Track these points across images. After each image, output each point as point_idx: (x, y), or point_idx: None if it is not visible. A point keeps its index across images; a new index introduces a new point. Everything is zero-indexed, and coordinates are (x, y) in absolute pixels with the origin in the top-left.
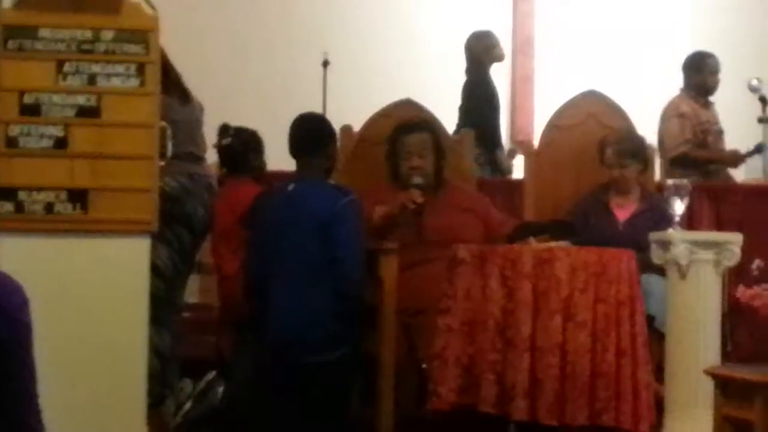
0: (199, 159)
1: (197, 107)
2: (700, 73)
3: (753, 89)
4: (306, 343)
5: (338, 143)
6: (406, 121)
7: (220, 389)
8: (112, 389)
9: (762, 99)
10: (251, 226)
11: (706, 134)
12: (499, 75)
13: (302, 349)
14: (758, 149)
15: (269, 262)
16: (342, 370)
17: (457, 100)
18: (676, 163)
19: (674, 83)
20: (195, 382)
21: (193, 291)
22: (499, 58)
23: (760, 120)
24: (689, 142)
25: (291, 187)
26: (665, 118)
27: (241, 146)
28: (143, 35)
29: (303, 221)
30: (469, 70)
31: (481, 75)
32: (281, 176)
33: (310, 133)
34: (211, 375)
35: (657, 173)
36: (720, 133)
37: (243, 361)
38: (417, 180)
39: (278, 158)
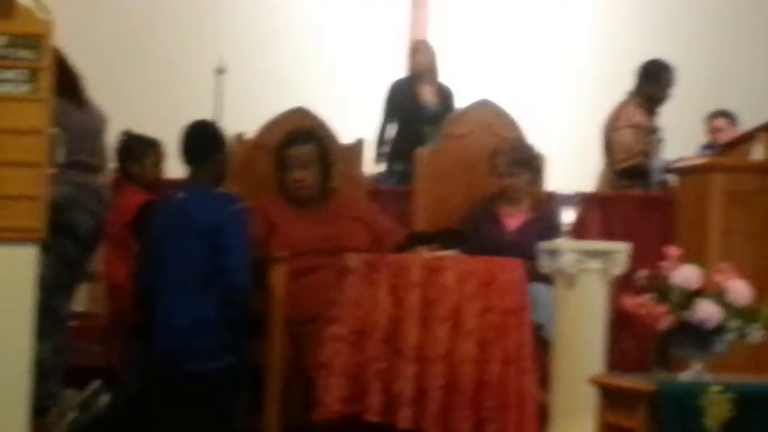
0: (93, 168)
1: (97, 116)
2: (655, 84)
3: None
4: (193, 351)
5: (231, 151)
6: (290, 133)
7: (105, 398)
8: None
9: (649, 110)
10: (140, 234)
11: (653, 145)
12: None
13: (190, 358)
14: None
15: (158, 270)
16: (229, 378)
17: (351, 108)
18: (625, 174)
19: (567, 95)
20: (80, 392)
21: (80, 299)
22: (414, 66)
23: (646, 132)
24: (641, 153)
25: (180, 194)
26: (617, 126)
27: (121, 152)
28: (36, 40)
29: (191, 229)
30: None
31: (395, 84)
32: (176, 184)
33: (200, 141)
34: (96, 384)
35: (606, 180)
36: (659, 142)
37: (132, 369)
38: None
39: (176, 166)
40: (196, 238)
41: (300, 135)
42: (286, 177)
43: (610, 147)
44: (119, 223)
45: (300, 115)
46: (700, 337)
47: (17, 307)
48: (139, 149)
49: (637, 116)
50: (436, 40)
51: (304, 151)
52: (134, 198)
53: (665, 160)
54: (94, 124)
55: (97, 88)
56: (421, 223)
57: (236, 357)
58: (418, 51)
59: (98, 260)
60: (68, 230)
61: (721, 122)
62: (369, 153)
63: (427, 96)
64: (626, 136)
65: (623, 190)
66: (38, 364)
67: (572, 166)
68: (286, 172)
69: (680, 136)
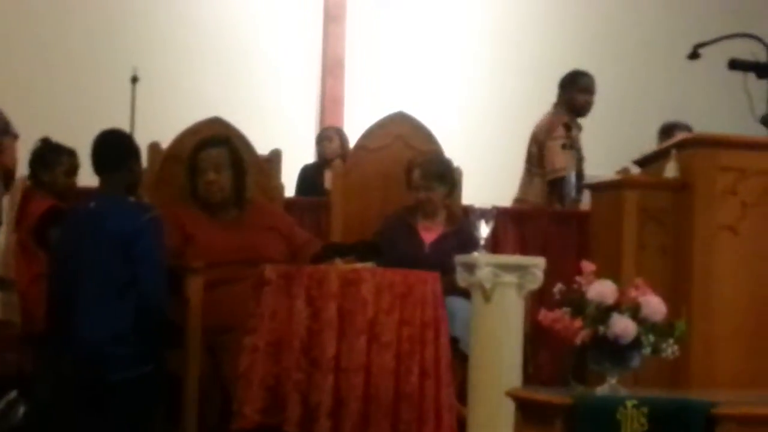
0: None
1: None
2: (569, 90)
3: None
4: (108, 360)
5: (146, 160)
6: (203, 138)
7: (22, 408)
8: None
9: (566, 125)
10: (43, 241)
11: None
12: (309, 96)
13: (104, 367)
14: None
15: (71, 278)
16: (145, 387)
17: (267, 120)
18: (552, 186)
19: (485, 108)
20: None
21: None
22: (325, 152)
23: (563, 146)
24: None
25: (92, 204)
26: (554, 137)
27: (32, 159)
28: None
29: (104, 238)
30: None
31: (305, 169)
32: (88, 193)
33: (112, 150)
34: (12, 395)
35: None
36: (581, 159)
37: (44, 378)
38: None
39: (86, 175)
40: (109, 247)
41: (212, 139)
42: (198, 181)
43: (542, 156)
44: (25, 230)
45: (216, 125)
46: (615, 351)
47: None
48: (51, 157)
49: (564, 128)
50: (352, 54)
51: (216, 153)
52: (42, 205)
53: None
54: None
55: (10, 97)
56: (337, 235)
57: (152, 366)
58: (331, 139)
59: (9, 267)
60: None
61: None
62: (285, 165)
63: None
64: (555, 147)
65: (554, 201)
66: None
67: (489, 179)
68: (198, 176)
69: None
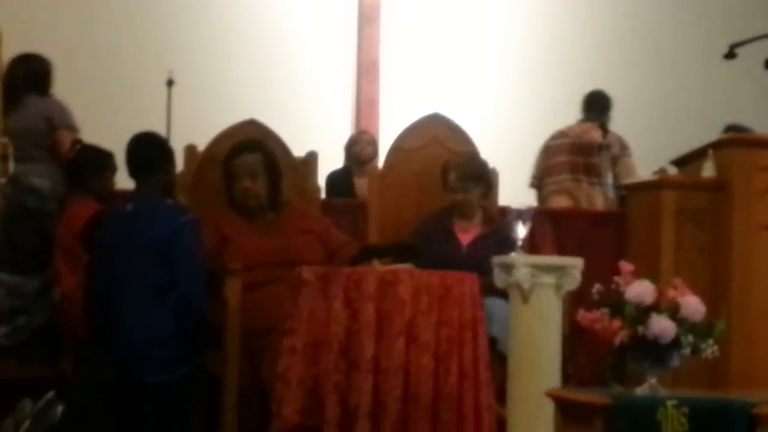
0: None
1: None
2: (609, 111)
3: None
4: (147, 363)
5: (182, 163)
6: (237, 144)
7: (60, 408)
8: None
9: (602, 126)
10: (91, 246)
11: None
12: (344, 98)
13: (144, 369)
14: None
15: (110, 281)
16: (184, 390)
17: (303, 122)
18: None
19: (517, 108)
20: (35, 402)
21: None
22: (357, 156)
23: (600, 146)
24: None
25: (129, 207)
26: (627, 153)
27: (80, 164)
28: None
29: (142, 241)
30: None
31: (332, 176)
32: (125, 195)
33: (146, 153)
34: (50, 394)
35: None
36: None
37: (84, 380)
38: None
39: (124, 178)
40: (147, 249)
41: (246, 145)
42: (233, 187)
43: (617, 169)
44: (70, 234)
45: (251, 127)
46: (654, 352)
47: None
48: (103, 162)
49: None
50: (387, 56)
51: (251, 160)
52: (86, 209)
53: None
54: None
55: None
56: (373, 236)
57: (192, 368)
58: (370, 143)
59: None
60: None
61: None
62: (321, 167)
63: (364, 188)
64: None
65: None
66: None
67: (525, 180)
68: (233, 182)
69: None
